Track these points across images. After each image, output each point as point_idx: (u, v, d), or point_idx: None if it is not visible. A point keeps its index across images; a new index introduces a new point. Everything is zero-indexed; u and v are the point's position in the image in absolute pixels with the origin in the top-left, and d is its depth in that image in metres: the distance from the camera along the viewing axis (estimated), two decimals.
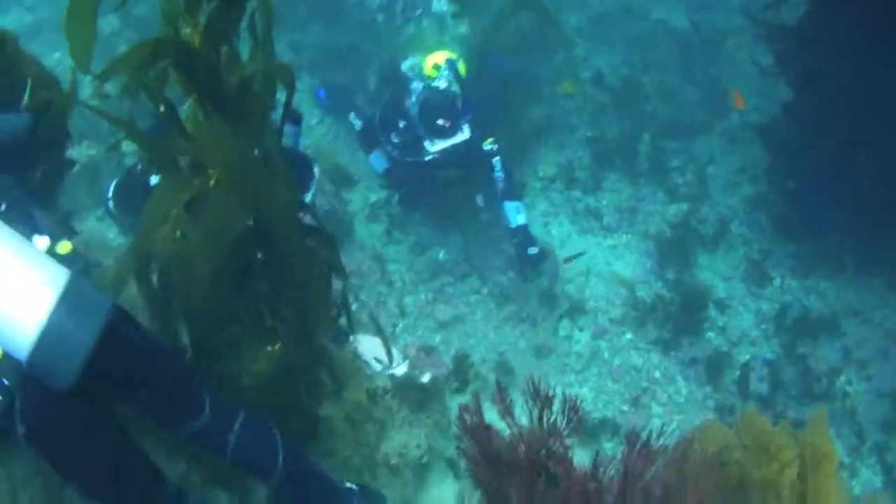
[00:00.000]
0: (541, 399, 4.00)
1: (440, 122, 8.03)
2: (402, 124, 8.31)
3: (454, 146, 8.11)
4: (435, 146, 8.09)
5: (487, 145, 8.46)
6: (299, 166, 6.41)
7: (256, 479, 4.36)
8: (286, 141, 5.98)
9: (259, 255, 4.12)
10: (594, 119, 10.41)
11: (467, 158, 8.38)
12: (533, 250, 8.19)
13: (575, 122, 10.36)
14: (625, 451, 3.87)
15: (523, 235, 8.27)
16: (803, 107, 8.52)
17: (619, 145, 10.04)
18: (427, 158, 8.23)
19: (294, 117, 5.74)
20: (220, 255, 3.81)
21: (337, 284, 4.70)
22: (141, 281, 3.90)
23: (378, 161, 8.90)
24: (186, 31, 3.48)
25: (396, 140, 8.40)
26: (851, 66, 7.73)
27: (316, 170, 6.69)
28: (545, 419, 3.98)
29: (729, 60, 11.18)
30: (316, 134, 10.12)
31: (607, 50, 11.46)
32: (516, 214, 8.35)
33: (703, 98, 10.66)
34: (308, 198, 5.46)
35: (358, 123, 9.11)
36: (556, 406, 3.98)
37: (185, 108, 3.75)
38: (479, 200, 8.82)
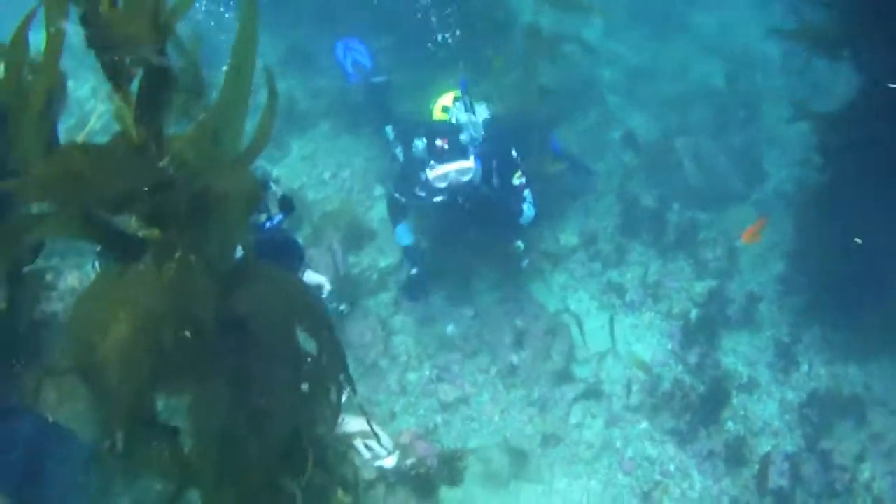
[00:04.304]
0: None
1: (438, 142, 7.49)
2: (423, 177, 7.74)
3: (464, 183, 7.57)
4: (434, 170, 7.50)
5: (516, 180, 8.02)
6: (285, 253, 6.27)
7: None
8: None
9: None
10: (623, 184, 10.08)
11: (492, 201, 7.86)
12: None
13: (603, 186, 10.04)
14: None
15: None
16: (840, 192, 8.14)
17: (647, 214, 9.67)
18: (437, 199, 7.69)
19: (286, 207, 5.55)
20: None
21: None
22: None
23: (403, 234, 8.44)
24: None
25: (422, 193, 7.86)
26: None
27: (304, 252, 6.56)
28: None
29: (765, 125, 10.86)
30: (328, 189, 9.89)
31: (640, 109, 11.22)
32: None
33: (736, 164, 10.29)
34: None
35: (392, 135, 8.55)
36: None
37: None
38: (520, 244, 8.41)
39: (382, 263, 8.84)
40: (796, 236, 9.08)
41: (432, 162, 7.51)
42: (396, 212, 8.38)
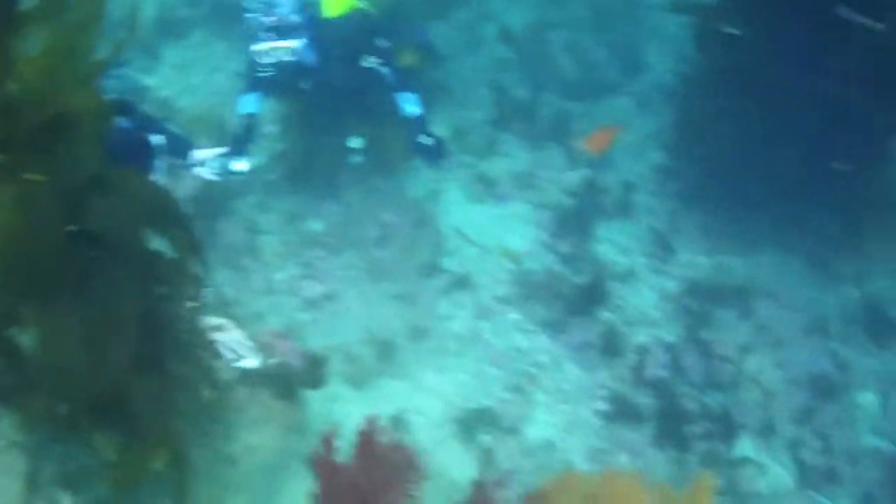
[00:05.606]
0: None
1: (266, 19, 7.34)
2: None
3: (290, 63, 7.46)
4: (258, 46, 7.38)
5: (364, 63, 7.70)
6: (135, 155, 6.03)
7: None
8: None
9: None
10: (495, 76, 9.85)
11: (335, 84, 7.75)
12: (427, 140, 7.57)
13: (474, 79, 9.77)
14: None
15: (417, 126, 7.58)
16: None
17: (520, 106, 9.44)
18: (261, 74, 7.58)
19: (122, 109, 5.51)
20: None
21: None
22: None
23: (245, 102, 8.04)
24: None
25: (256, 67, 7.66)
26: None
27: (155, 144, 6.35)
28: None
29: (647, 19, 10.70)
30: (200, 93, 9.71)
31: (518, 3, 10.91)
32: (410, 106, 7.64)
33: (613, 57, 10.16)
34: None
35: None
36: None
37: None
38: (354, 142, 8.03)
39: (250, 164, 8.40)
40: (676, 127, 8.86)
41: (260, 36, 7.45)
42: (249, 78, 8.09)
